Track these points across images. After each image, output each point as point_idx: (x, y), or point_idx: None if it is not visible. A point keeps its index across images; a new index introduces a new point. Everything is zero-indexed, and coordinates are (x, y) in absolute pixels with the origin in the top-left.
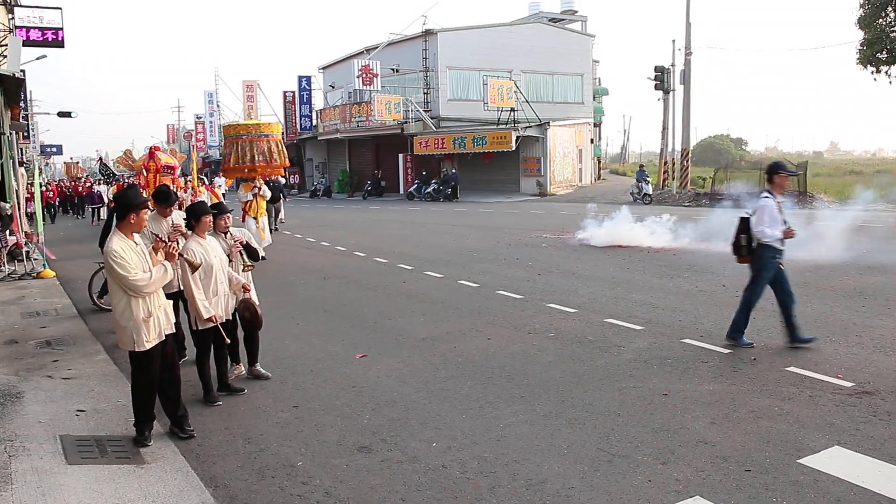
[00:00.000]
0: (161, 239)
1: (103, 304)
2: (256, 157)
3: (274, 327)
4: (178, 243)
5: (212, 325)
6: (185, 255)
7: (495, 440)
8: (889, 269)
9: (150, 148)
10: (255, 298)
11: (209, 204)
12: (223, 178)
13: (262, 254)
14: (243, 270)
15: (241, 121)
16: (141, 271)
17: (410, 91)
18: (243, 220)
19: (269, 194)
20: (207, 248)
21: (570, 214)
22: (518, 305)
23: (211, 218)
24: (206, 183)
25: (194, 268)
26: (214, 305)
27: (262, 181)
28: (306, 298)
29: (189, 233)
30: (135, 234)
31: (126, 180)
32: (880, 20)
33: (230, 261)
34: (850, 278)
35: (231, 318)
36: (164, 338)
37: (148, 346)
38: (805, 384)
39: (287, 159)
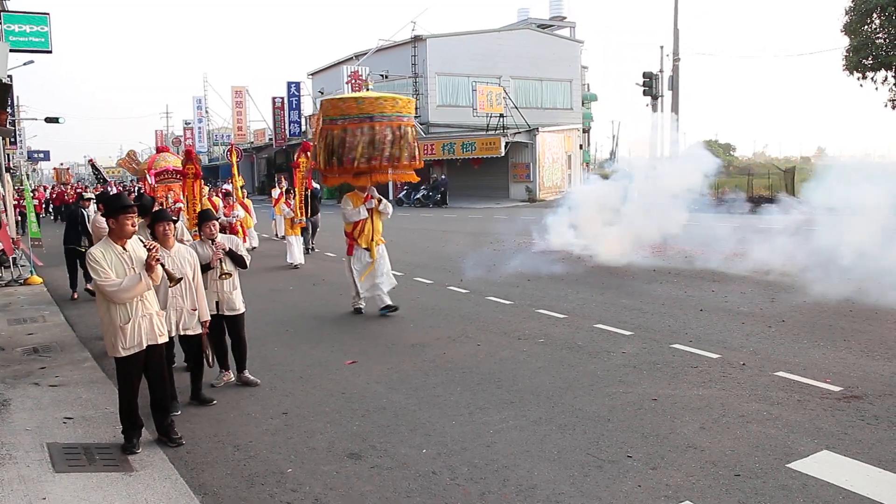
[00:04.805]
0: (149, 247)
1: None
2: (386, 149)
3: (262, 333)
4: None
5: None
6: (166, 267)
7: (485, 446)
8: (877, 273)
9: (187, 149)
10: (240, 305)
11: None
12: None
13: (247, 260)
14: (220, 278)
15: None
16: (115, 277)
17: None
18: (349, 253)
19: (390, 210)
20: (175, 259)
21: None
22: (507, 311)
23: (168, 226)
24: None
25: (171, 279)
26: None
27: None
28: (295, 304)
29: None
30: (129, 241)
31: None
32: (865, 27)
33: (210, 267)
34: (838, 282)
35: (198, 332)
36: (144, 347)
37: (124, 353)
38: (794, 389)
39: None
